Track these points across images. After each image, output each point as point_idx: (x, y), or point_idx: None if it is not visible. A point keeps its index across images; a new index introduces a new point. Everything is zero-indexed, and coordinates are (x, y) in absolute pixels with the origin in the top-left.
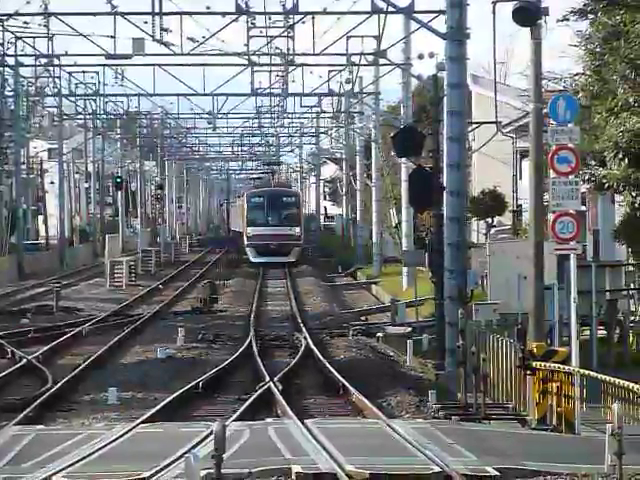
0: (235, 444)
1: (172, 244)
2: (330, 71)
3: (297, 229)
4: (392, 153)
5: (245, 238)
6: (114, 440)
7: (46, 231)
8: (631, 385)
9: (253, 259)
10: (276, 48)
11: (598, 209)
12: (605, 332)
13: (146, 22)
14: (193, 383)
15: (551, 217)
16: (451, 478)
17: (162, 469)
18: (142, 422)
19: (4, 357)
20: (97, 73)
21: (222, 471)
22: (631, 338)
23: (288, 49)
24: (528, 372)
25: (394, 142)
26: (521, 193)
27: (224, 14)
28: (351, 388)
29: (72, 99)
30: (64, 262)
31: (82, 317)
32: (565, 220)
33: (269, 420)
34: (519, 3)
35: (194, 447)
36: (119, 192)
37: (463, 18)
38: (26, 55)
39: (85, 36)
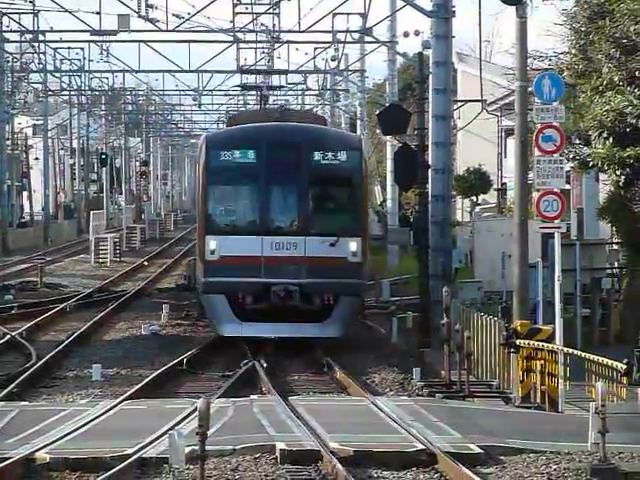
0: (219, 421)
1: (157, 221)
2: (316, 48)
3: (354, 244)
4: (377, 131)
5: (201, 267)
6: (98, 416)
7: (30, 207)
8: (614, 363)
9: (225, 329)
10: (262, 25)
11: (582, 188)
12: (589, 310)
13: None
14: (177, 360)
15: (536, 195)
16: (435, 455)
17: (146, 445)
18: (126, 398)
19: None
20: (82, 49)
21: (206, 448)
22: (614, 316)
23: (274, 26)
24: (512, 350)
25: (379, 120)
26: (506, 171)
27: None
28: (335, 365)
29: (57, 75)
30: (48, 238)
31: (66, 293)
32: (550, 198)
33: (253, 397)
34: None
35: (178, 424)
36: (104, 168)
37: None
38: (11, 31)
39: (70, 12)
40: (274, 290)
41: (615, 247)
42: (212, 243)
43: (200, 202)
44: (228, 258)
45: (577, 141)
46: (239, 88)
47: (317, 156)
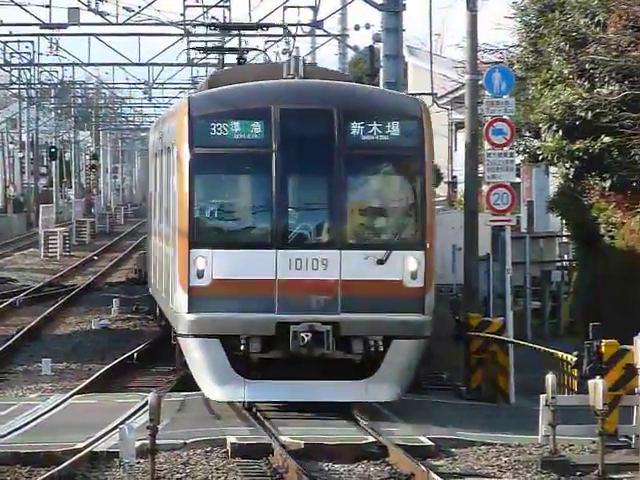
0: (170, 415)
1: (107, 215)
2: (267, 41)
3: (413, 260)
4: None
5: (180, 297)
6: (48, 411)
7: None
8: (565, 355)
9: (219, 391)
10: (212, 18)
11: (532, 181)
12: (539, 303)
13: None
14: (128, 354)
15: (486, 188)
16: (385, 448)
17: (97, 440)
18: (76, 393)
19: None
20: (32, 43)
21: (157, 442)
22: (564, 309)
23: (224, 19)
24: (463, 343)
25: None
26: (456, 165)
27: None
28: None
29: (6, 69)
30: None
31: (16, 288)
32: (500, 191)
33: None
34: None
35: (129, 418)
36: (53, 162)
37: None
38: None
39: (20, 5)
40: (294, 331)
41: (565, 240)
42: (200, 261)
43: (178, 199)
44: (225, 283)
45: (527, 134)
46: (190, 81)
47: (357, 129)
